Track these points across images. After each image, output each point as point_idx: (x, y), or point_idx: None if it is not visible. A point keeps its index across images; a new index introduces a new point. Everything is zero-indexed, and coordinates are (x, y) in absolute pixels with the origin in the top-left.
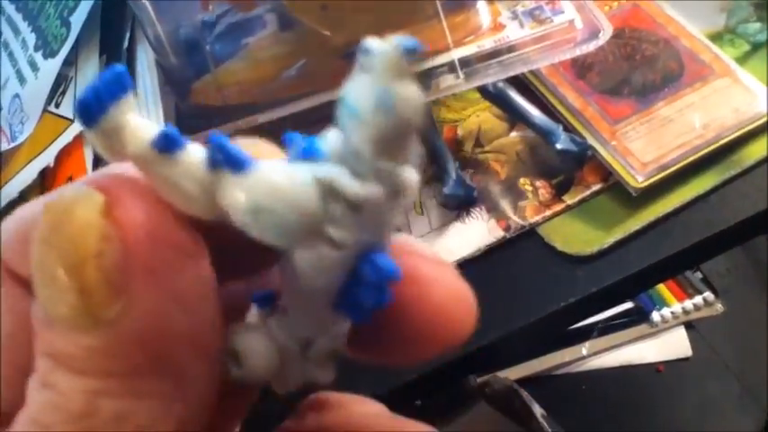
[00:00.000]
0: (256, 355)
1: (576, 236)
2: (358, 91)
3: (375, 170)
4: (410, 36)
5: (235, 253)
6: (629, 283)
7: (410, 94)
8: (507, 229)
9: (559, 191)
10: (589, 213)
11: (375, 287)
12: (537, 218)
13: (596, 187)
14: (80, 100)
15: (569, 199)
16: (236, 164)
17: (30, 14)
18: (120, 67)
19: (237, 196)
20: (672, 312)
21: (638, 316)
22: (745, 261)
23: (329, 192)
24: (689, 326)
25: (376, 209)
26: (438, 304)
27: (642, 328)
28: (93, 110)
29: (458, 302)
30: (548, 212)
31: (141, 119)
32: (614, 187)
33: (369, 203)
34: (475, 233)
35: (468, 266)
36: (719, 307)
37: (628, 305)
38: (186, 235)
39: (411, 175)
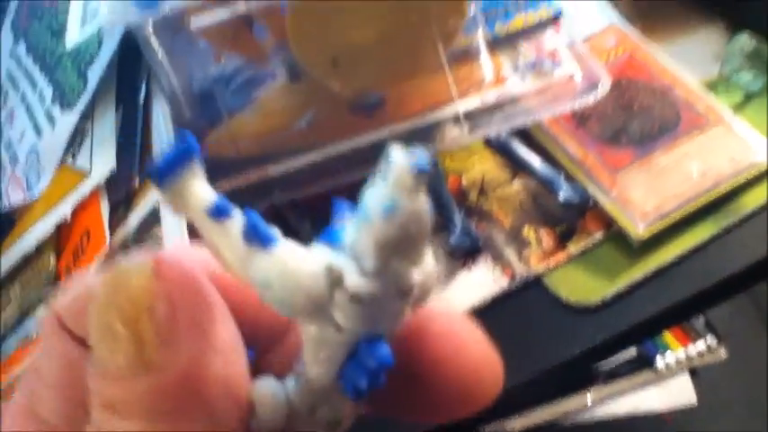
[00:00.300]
0: (266, 409)
1: (581, 285)
2: (373, 195)
3: (377, 270)
4: (427, 154)
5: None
6: (632, 333)
7: (417, 208)
8: (512, 277)
9: (563, 239)
10: (592, 262)
11: (371, 372)
12: (541, 266)
13: (598, 235)
14: (155, 165)
15: (573, 247)
16: (263, 241)
17: (47, 67)
18: (190, 138)
19: (256, 270)
20: (676, 359)
21: (642, 362)
22: (747, 306)
23: (336, 281)
24: (693, 371)
25: (378, 303)
26: (474, 362)
27: (646, 375)
28: (164, 175)
29: (490, 363)
30: (552, 261)
31: (203, 185)
32: (616, 236)
33: (369, 299)
34: (481, 283)
35: (474, 316)
36: (723, 353)
37: (631, 351)
38: (220, 297)
39: (419, 276)
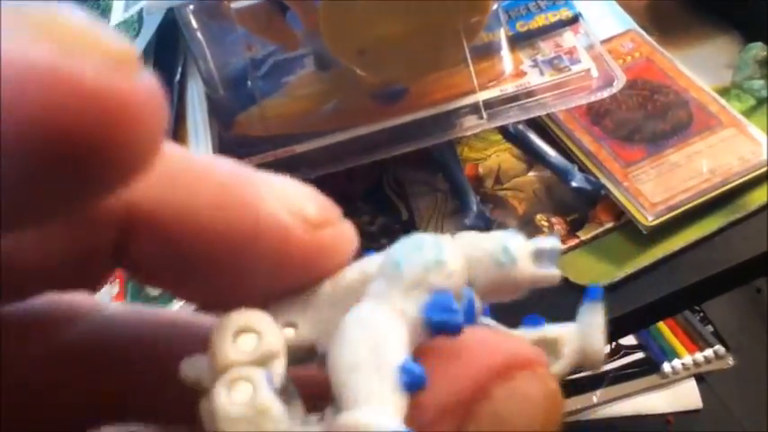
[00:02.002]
0: None
1: (589, 269)
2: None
3: None
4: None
5: None
6: (638, 314)
7: None
8: None
9: (574, 228)
10: (602, 249)
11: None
12: None
13: (609, 225)
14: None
15: (583, 235)
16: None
17: None
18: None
19: None
20: (683, 364)
21: (649, 366)
22: (756, 319)
23: None
24: (700, 378)
25: None
26: None
27: (653, 379)
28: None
29: None
30: (563, 247)
31: None
32: (626, 226)
33: None
34: None
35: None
36: (730, 360)
37: (639, 355)
38: None
39: None
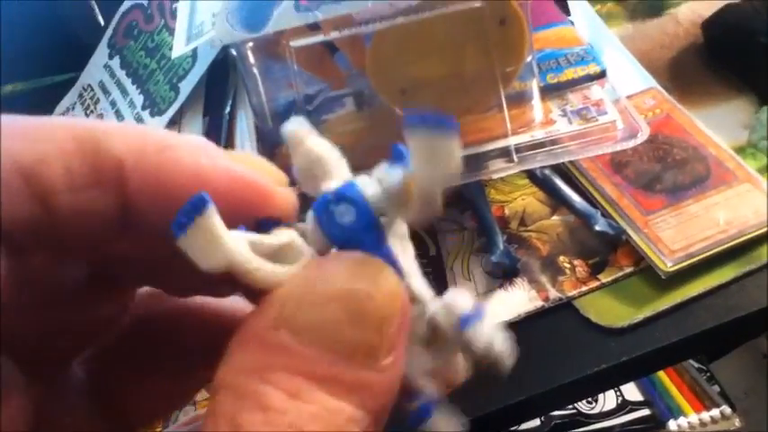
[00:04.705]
0: None
1: (610, 310)
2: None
3: None
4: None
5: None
6: (656, 355)
7: None
8: (546, 299)
9: (595, 270)
10: (622, 291)
11: None
12: (574, 292)
13: (629, 269)
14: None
15: (604, 278)
16: None
17: (139, 79)
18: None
19: None
20: (689, 422)
21: (655, 423)
22: (762, 384)
23: None
24: None
25: None
26: None
27: None
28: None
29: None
30: (584, 288)
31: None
32: (645, 270)
33: None
34: (516, 301)
35: (508, 330)
36: (737, 422)
37: (645, 412)
38: None
39: None
